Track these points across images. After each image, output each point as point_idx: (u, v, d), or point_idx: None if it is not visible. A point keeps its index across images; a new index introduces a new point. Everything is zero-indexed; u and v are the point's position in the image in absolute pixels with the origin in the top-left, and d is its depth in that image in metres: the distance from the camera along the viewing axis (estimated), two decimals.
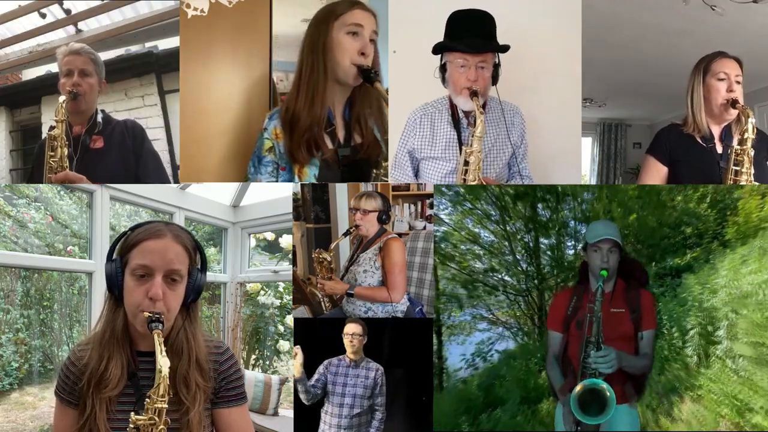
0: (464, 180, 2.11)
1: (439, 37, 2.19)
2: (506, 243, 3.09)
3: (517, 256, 3.08)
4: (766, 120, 4.55)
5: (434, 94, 2.30)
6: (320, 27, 2.02)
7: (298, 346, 2.25)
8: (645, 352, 1.84)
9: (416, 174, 2.35)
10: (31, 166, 2.54)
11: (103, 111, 2.43)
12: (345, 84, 2.06)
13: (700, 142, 2.38)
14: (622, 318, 1.85)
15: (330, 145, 2.09)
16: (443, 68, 2.20)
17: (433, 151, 2.27)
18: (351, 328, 2.29)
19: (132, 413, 1.34)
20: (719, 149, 2.37)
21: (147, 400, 1.34)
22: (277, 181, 2.14)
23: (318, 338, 2.43)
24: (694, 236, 3.00)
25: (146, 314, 1.35)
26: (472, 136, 2.10)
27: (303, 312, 2.71)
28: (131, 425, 1.33)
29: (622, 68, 4.02)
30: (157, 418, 1.33)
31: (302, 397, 2.25)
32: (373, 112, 2.11)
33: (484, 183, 2.16)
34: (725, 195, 2.82)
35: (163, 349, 1.34)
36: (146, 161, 2.41)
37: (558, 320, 1.91)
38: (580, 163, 2.66)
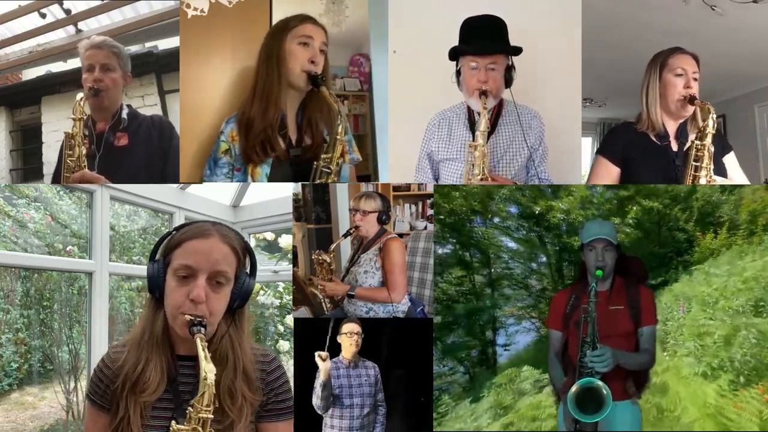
0: (472, 176, 2.14)
1: (439, 36, 2.21)
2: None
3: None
4: (766, 120, 4.54)
5: (434, 94, 2.32)
6: (275, 38, 2.18)
7: (323, 352, 2.16)
8: (645, 348, 1.84)
9: (437, 177, 2.40)
10: (56, 164, 2.41)
11: (129, 106, 2.35)
12: (297, 89, 2.20)
13: (654, 140, 2.33)
14: (622, 315, 1.86)
15: (282, 146, 2.20)
16: (459, 73, 2.23)
17: (449, 152, 2.32)
18: (352, 327, 2.26)
19: (173, 422, 1.27)
20: (674, 147, 2.32)
21: (190, 409, 1.26)
22: (231, 182, 2.26)
23: (319, 338, 2.42)
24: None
25: (187, 317, 1.28)
26: (477, 132, 2.13)
27: (304, 312, 2.71)
28: None
29: (622, 68, 4.01)
30: (201, 429, 1.25)
31: (320, 404, 2.17)
32: (323, 116, 2.24)
33: (491, 179, 2.17)
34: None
35: (208, 354, 1.25)
36: (174, 159, 2.33)
37: (558, 318, 1.92)
38: (581, 163, 2.66)
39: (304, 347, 2.29)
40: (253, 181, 2.20)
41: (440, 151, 2.34)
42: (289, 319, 3.67)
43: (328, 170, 2.13)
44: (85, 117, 2.15)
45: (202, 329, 1.27)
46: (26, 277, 3.09)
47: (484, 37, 2.17)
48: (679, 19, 3.22)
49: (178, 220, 3.30)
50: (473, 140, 2.25)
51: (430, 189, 3.55)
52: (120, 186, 2.75)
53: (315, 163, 2.15)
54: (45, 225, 3.14)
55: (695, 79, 2.28)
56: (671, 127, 2.35)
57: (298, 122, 2.25)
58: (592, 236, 1.87)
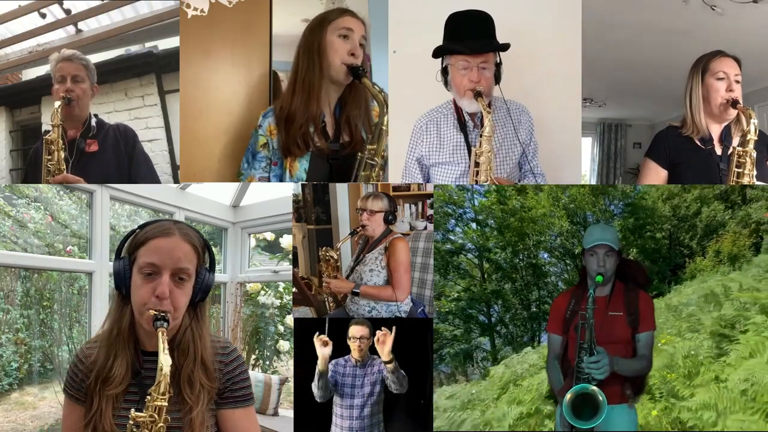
0: (476, 181, 2.12)
1: (439, 36, 2.19)
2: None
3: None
4: (766, 120, 4.54)
5: (434, 94, 2.30)
6: (315, 31, 2.17)
7: (326, 337, 2.19)
8: (642, 354, 1.83)
9: (427, 180, 2.37)
10: (24, 168, 2.59)
11: (96, 116, 2.48)
12: (337, 82, 2.19)
13: (699, 144, 2.36)
14: (620, 321, 1.84)
15: (323, 140, 2.21)
16: (445, 71, 2.20)
17: (441, 156, 2.29)
18: (358, 331, 2.25)
19: (132, 410, 1.34)
20: (718, 151, 2.35)
21: (147, 397, 1.34)
22: (269, 177, 2.25)
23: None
24: None
25: (152, 312, 1.36)
26: (481, 137, 2.10)
27: (307, 313, 2.71)
28: (131, 421, 1.34)
29: (622, 68, 4.02)
30: (156, 416, 1.33)
31: (318, 393, 2.22)
32: (361, 113, 2.25)
33: (497, 183, 2.16)
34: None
35: (166, 347, 1.33)
36: (138, 163, 2.48)
37: (557, 322, 1.91)
38: (580, 163, 2.67)
39: (304, 347, 2.30)
40: (291, 175, 2.19)
41: (431, 155, 2.30)
42: (289, 319, 3.67)
43: (373, 162, 2.12)
44: (61, 124, 2.27)
45: (165, 324, 1.35)
46: (26, 277, 3.09)
47: (473, 35, 2.13)
48: (679, 19, 3.22)
49: (179, 219, 3.30)
50: (465, 142, 2.24)
51: (430, 189, 3.55)
52: (120, 186, 2.76)
53: (359, 155, 2.14)
54: (45, 225, 3.14)
55: (737, 82, 2.29)
56: (715, 131, 2.37)
57: (336, 118, 2.25)
58: (594, 242, 1.85)
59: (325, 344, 2.18)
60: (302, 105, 2.15)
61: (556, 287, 3.49)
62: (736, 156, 2.22)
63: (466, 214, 3.24)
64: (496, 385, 2.95)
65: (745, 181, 2.21)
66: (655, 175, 2.43)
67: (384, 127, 2.10)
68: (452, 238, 3.21)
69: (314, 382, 2.22)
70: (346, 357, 2.28)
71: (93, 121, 2.44)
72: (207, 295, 1.49)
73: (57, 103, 2.29)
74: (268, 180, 2.25)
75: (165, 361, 1.32)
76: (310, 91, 2.15)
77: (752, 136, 2.18)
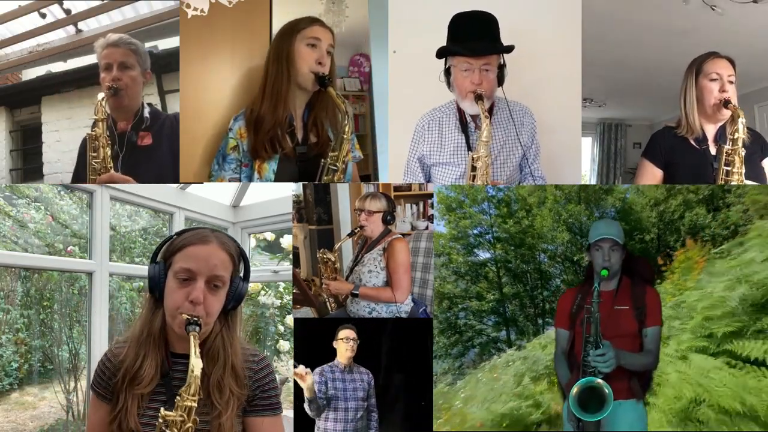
0: (473, 182, 2.13)
1: (439, 36, 2.19)
2: None
3: None
4: (766, 120, 4.54)
5: (434, 95, 2.30)
6: (284, 39, 2.22)
7: (303, 368, 2.19)
8: (649, 349, 1.84)
9: (428, 180, 2.38)
10: (75, 165, 2.41)
11: (150, 105, 2.33)
12: (304, 89, 2.25)
13: (693, 143, 2.38)
14: (626, 315, 1.86)
15: (290, 143, 2.26)
16: (448, 72, 2.20)
17: (442, 156, 2.29)
18: (349, 333, 2.29)
19: (162, 409, 1.37)
20: (713, 150, 2.37)
21: (177, 398, 1.36)
22: (239, 178, 2.29)
23: (323, 338, 2.42)
24: None
25: (185, 316, 1.38)
26: (479, 141, 2.10)
27: (309, 313, 2.72)
28: (160, 420, 1.36)
29: (622, 68, 4.02)
30: (186, 416, 1.36)
31: (313, 414, 2.24)
32: (327, 115, 2.30)
33: (491, 184, 2.17)
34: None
35: (198, 350, 1.36)
36: None
37: (564, 317, 1.92)
38: (580, 163, 2.67)
39: (304, 347, 2.30)
40: (260, 176, 2.24)
41: (432, 155, 2.31)
42: (290, 320, 3.67)
43: (335, 168, 2.19)
44: (107, 117, 2.11)
45: (197, 328, 1.38)
46: (26, 277, 3.09)
47: (476, 37, 2.13)
48: (679, 19, 3.22)
49: (178, 219, 3.30)
50: (466, 144, 2.24)
51: (431, 189, 3.55)
52: (120, 186, 2.75)
53: (322, 161, 2.20)
54: (45, 225, 3.14)
55: (731, 83, 2.32)
56: (710, 131, 2.40)
57: (304, 121, 2.30)
58: (599, 236, 1.87)
59: (302, 378, 2.18)
60: (271, 109, 2.20)
61: (558, 288, 4.15)
62: (725, 154, 2.23)
63: (489, 235, 4.23)
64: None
65: (735, 179, 2.22)
66: (651, 175, 2.46)
67: (345, 136, 2.16)
68: (479, 253, 4.22)
69: (305, 405, 2.23)
70: (330, 363, 2.30)
71: (146, 112, 2.28)
72: (240, 303, 1.51)
73: (100, 95, 2.11)
74: (239, 181, 2.28)
75: (196, 363, 1.35)
76: (278, 97, 2.20)
77: (740, 135, 2.19)
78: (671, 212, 4.23)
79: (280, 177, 2.25)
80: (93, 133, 2.10)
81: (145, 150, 2.27)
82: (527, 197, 4.18)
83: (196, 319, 1.38)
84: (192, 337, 1.36)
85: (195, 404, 1.35)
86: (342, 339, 2.28)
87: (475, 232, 4.16)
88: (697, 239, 3.58)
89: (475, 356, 3.95)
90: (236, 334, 1.52)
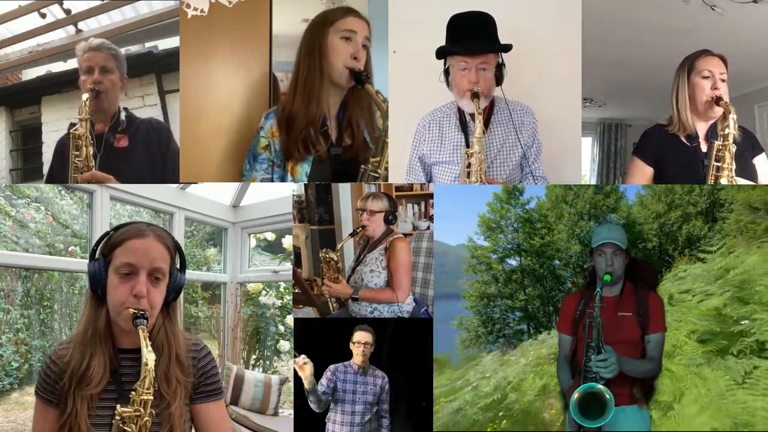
0: (467, 182, 2.11)
1: (439, 36, 2.19)
2: None
3: None
4: (766, 120, 4.54)
5: (434, 95, 2.30)
6: (316, 31, 2.11)
7: (304, 357, 2.15)
8: (651, 356, 1.81)
9: (430, 179, 2.38)
10: (50, 165, 2.45)
11: (126, 109, 2.36)
12: (338, 86, 2.14)
13: (685, 141, 2.38)
14: (629, 321, 1.83)
15: (323, 144, 2.16)
16: (447, 72, 2.20)
17: (442, 155, 2.29)
18: (363, 337, 2.22)
19: (117, 405, 1.37)
20: (704, 148, 2.36)
21: (132, 392, 1.37)
22: (272, 178, 2.21)
23: (324, 338, 2.42)
24: None
25: (131, 311, 1.39)
26: (472, 137, 2.10)
27: (310, 313, 2.71)
28: (117, 417, 1.36)
29: (622, 68, 4.02)
30: (142, 410, 1.36)
31: (313, 406, 2.19)
32: (363, 115, 2.19)
33: (487, 182, 2.15)
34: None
35: (149, 343, 1.37)
36: (173, 161, 2.35)
37: (567, 322, 1.90)
38: (580, 163, 2.67)
39: (304, 347, 2.29)
40: (293, 178, 2.16)
41: (432, 154, 2.31)
42: (290, 320, 3.67)
43: (376, 174, 2.08)
44: (89, 118, 2.14)
45: (145, 321, 1.39)
46: (27, 277, 3.10)
47: (473, 36, 2.12)
48: (679, 19, 3.22)
49: (178, 219, 3.30)
50: (466, 143, 2.24)
51: (432, 189, 3.55)
52: (120, 186, 2.75)
53: (362, 167, 2.10)
54: (46, 225, 3.15)
55: (723, 80, 2.31)
56: (701, 129, 2.39)
57: (339, 120, 2.19)
58: (602, 240, 1.84)
59: (301, 368, 2.13)
60: (303, 107, 2.10)
61: (570, 290, 4.96)
62: (715, 150, 2.22)
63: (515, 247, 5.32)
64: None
65: (725, 175, 2.21)
66: (642, 173, 2.45)
67: (386, 139, 2.07)
68: (510, 261, 5.30)
69: (307, 397, 2.19)
70: (345, 363, 2.24)
71: (123, 115, 2.32)
72: (179, 294, 1.53)
73: (84, 96, 2.14)
74: (272, 181, 2.22)
75: (149, 356, 1.36)
76: (311, 93, 2.09)
77: (731, 130, 2.19)
78: (671, 224, 4.73)
79: (313, 179, 2.16)
80: (76, 132, 2.13)
81: (121, 152, 2.30)
82: (547, 215, 5.18)
83: (142, 312, 1.38)
84: (141, 331, 1.37)
85: (151, 397, 1.36)
86: (355, 342, 2.23)
87: (508, 246, 5.29)
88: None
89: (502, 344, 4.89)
90: (177, 324, 1.53)
